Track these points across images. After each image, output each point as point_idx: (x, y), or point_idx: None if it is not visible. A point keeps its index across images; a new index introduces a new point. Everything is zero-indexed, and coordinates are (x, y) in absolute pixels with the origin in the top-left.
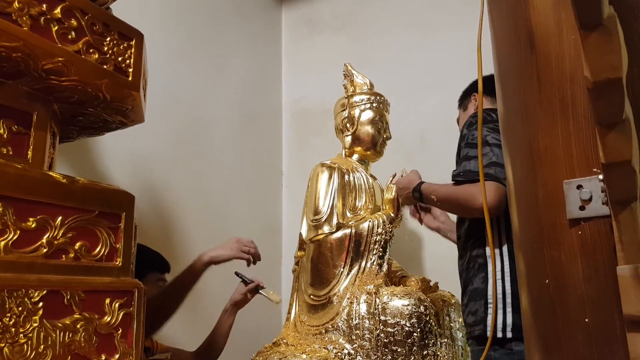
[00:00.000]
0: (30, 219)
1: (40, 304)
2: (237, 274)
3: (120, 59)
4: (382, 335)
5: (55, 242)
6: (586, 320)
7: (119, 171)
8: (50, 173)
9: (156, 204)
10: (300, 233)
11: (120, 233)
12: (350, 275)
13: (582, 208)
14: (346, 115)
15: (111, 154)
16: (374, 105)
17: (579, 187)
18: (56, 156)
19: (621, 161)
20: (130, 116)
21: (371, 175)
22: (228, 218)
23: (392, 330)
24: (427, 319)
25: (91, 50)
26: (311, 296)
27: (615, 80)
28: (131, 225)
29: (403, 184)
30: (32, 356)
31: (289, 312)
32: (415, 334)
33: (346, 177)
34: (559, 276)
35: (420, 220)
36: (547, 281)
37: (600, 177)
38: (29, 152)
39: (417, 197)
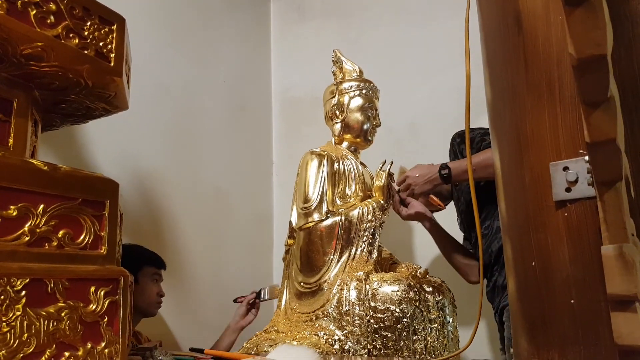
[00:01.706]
0: (12, 207)
1: (23, 293)
2: (235, 300)
3: (101, 44)
4: (372, 321)
5: (38, 231)
6: (572, 301)
7: (106, 162)
8: (32, 160)
9: (145, 195)
10: (290, 221)
11: (104, 221)
12: (340, 263)
13: (568, 190)
14: (335, 102)
15: (99, 145)
16: (364, 92)
17: (565, 169)
18: (40, 145)
19: (606, 140)
20: (114, 103)
21: (361, 163)
22: (218, 207)
23: (382, 316)
24: (417, 304)
25: (71, 35)
26: (301, 283)
27: (600, 57)
28: (116, 213)
29: (422, 170)
30: (15, 345)
31: (280, 300)
32: (405, 320)
33: (336, 164)
34: (545, 259)
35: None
36: (533, 264)
37: (586, 158)
38: (10, 140)
39: (445, 175)
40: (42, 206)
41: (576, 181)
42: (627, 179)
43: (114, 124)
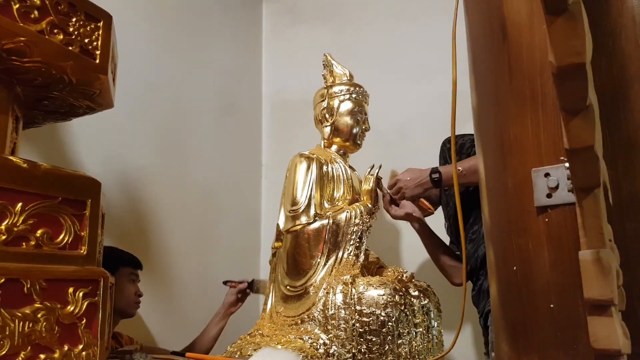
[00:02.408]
0: None
1: None
2: (225, 282)
3: (86, 40)
4: (357, 325)
5: (15, 229)
6: (551, 306)
7: (91, 161)
8: (10, 157)
9: (132, 196)
10: (278, 224)
11: (85, 220)
12: (327, 266)
13: (549, 196)
14: (325, 105)
15: (84, 144)
16: (353, 96)
17: (547, 175)
18: (23, 143)
19: (584, 147)
20: (98, 100)
21: (350, 167)
22: (207, 209)
23: (367, 320)
24: (402, 308)
25: (55, 31)
26: (288, 287)
27: (579, 65)
28: (97, 213)
29: (413, 174)
30: None
31: (265, 303)
32: (390, 324)
33: (324, 167)
34: (526, 263)
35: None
36: (514, 268)
37: (567, 165)
38: None
39: (436, 179)
40: (20, 204)
41: (557, 187)
42: (605, 186)
43: (100, 122)
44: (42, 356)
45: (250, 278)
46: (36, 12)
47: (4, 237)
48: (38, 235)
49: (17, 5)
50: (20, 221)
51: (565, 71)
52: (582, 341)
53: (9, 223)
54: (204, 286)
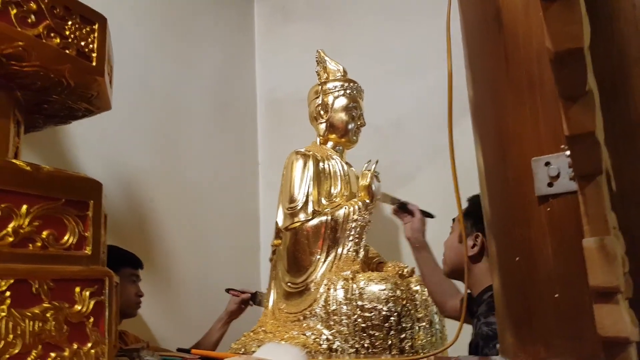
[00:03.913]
0: None
1: (8, 293)
2: (228, 290)
3: (83, 43)
4: (359, 320)
5: (21, 231)
6: (556, 295)
7: (90, 162)
8: (14, 161)
9: (130, 196)
10: (277, 222)
11: (88, 221)
12: (327, 262)
13: (550, 185)
14: (320, 102)
15: (83, 146)
16: (348, 92)
17: (547, 164)
18: (23, 146)
19: (585, 133)
20: (96, 103)
21: (346, 163)
22: (205, 209)
23: (369, 314)
24: (404, 302)
25: (52, 35)
26: (289, 284)
27: (577, 50)
28: (100, 213)
29: (416, 226)
30: (1, 346)
31: (267, 300)
32: (392, 318)
33: (321, 164)
34: (529, 253)
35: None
36: (517, 259)
37: (567, 153)
38: None
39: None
40: (25, 206)
41: (558, 176)
42: (607, 173)
43: (98, 124)
44: (52, 354)
45: (253, 289)
46: (33, 17)
47: (11, 239)
48: (44, 236)
49: (15, 11)
50: (26, 223)
51: (563, 57)
52: (587, 331)
53: (16, 225)
54: (204, 286)
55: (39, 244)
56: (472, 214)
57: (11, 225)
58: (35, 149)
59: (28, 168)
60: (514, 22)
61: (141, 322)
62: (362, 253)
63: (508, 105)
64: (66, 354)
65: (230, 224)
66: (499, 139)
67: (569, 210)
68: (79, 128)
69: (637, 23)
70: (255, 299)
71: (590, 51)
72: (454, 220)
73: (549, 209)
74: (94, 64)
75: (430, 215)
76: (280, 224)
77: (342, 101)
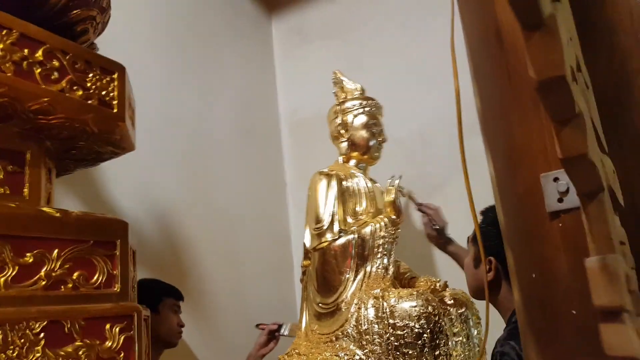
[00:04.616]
0: (28, 254)
1: (42, 335)
2: (257, 326)
3: (104, 92)
4: (392, 338)
5: (54, 274)
6: (573, 312)
7: (123, 197)
8: (44, 209)
9: (163, 226)
10: (304, 243)
11: (116, 260)
12: (356, 281)
13: (560, 200)
14: (339, 122)
15: (115, 182)
16: (366, 109)
17: (556, 179)
18: (58, 188)
19: (577, 155)
20: (120, 145)
21: (370, 179)
22: (237, 233)
23: (401, 332)
24: (437, 319)
25: (75, 88)
26: (319, 304)
27: (559, 78)
28: (127, 251)
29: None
30: None
31: (300, 322)
32: (425, 335)
33: (344, 183)
34: (545, 270)
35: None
36: (534, 276)
37: None
38: (25, 190)
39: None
40: (56, 251)
41: (567, 191)
42: (611, 188)
43: (128, 160)
44: None
45: (290, 310)
46: (56, 74)
47: (44, 283)
48: (75, 277)
49: (39, 70)
50: (58, 266)
51: (547, 85)
52: None
53: (48, 269)
54: (240, 308)
55: (70, 285)
56: (485, 234)
57: (44, 269)
58: (70, 190)
59: (57, 214)
60: (515, 40)
61: (183, 349)
62: (392, 270)
63: (514, 121)
64: None
65: (262, 246)
66: (508, 154)
67: (581, 225)
68: (110, 165)
69: (636, 34)
70: (280, 329)
71: (591, 66)
72: (468, 240)
73: (561, 225)
74: (115, 110)
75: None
76: (307, 244)
77: (361, 119)
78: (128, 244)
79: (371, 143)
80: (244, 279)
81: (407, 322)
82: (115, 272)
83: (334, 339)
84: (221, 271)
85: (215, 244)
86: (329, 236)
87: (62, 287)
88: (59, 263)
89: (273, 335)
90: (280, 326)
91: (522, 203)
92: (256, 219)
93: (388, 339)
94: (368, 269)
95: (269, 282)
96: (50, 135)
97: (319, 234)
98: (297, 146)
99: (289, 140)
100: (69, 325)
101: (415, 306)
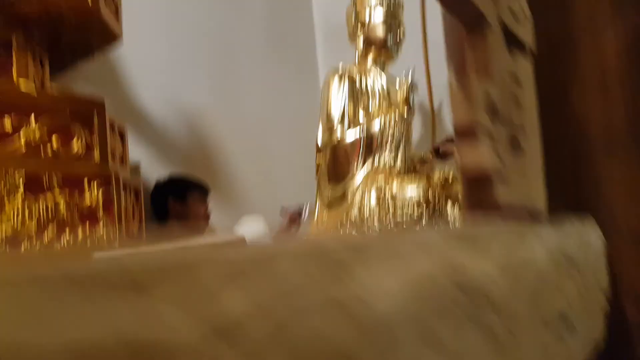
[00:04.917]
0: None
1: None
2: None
3: None
4: (392, 225)
5: (33, 145)
6: None
7: (153, 102)
8: (22, 82)
9: (193, 130)
10: (317, 141)
11: (94, 133)
12: (363, 172)
13: None
14: (356, 16)
15: (145, 87)
16: (384, 2)
17: None
18: (82, 84)
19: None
20: (103, 34)
21: (388, 76)
22: (268, 138)
23: (400, 219)
24: (436, 201)
25: None
26: (329, 195)
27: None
28: (104, 124)
29: None
30: (19, 223)
31: (313, 216)
32: (423, 221)
33: (357, 80)
34: None
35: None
36: None
37: None
38: (13, 73)
39: None
40: (34, 119)
41: None
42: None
43: (158, 67)
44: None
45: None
46: None
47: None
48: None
49: None
50: (38, 135)
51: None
52: None
53: (28, 138)
54: (270, 212)
55: (49, 152)
56: None
57: (23, 135)
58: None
59: (34, 93)
60: None
61: None
62: (399, 164)
63: None
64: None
65: (292, 153)
66: None
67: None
68: (140, 71)
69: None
70: (302, 214)
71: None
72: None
73: None
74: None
75: None
76: (319, 141)
77: (379, 12)
78: (105, 117)
79: (387, 38)
80: (272, 184)
81: (406, 209)
82: (93, 144)
83: (339, 226)
84: (249, 174)
85: (245, 148)
86: (338, 133)
87: (42, 153)
88: (37, 127)
89: (296, 220)
90: (301, 211)
91: None
92: (287, 127)
93: (387, 224)
94: (375, 162)
95: (298, 185)
96: (34, 24)
97: (329, 131)
98: (332, 53)
99: (324, 48)
100: (47, 178)
101: (415, 192)
